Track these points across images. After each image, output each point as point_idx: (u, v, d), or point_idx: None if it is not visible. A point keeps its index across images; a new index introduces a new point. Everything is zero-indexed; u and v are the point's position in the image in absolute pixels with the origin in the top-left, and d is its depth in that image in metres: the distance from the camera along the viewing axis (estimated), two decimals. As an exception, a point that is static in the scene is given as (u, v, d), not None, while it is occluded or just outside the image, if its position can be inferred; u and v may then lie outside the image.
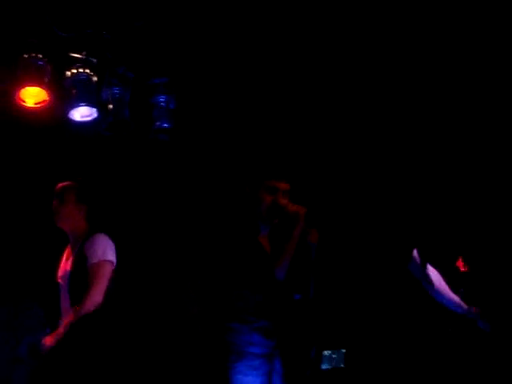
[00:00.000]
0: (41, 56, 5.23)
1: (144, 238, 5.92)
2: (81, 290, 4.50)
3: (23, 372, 5.20)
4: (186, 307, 5.25)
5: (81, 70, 5.37)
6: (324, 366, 4.07)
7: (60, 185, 4.96)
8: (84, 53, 5.38)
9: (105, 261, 4.60)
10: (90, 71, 5.40)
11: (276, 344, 4.13)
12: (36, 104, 5.32)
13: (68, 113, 5.43)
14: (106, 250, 4.66)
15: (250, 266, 4.12)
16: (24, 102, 5.28)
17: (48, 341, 4.44)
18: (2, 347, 5.21)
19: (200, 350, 4.34)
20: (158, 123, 5.60)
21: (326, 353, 4.12)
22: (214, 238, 4.47)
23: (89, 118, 5.47)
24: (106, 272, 4.60)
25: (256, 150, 5.40)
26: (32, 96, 5.29)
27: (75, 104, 5.41)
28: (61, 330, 4.48)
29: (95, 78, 5.42)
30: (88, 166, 5.83)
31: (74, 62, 5.37)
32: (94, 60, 5.42)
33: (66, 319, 4.56)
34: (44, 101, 5.33)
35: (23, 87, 5.24)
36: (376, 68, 5.14)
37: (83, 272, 4.59)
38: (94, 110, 5.47)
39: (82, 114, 5.47)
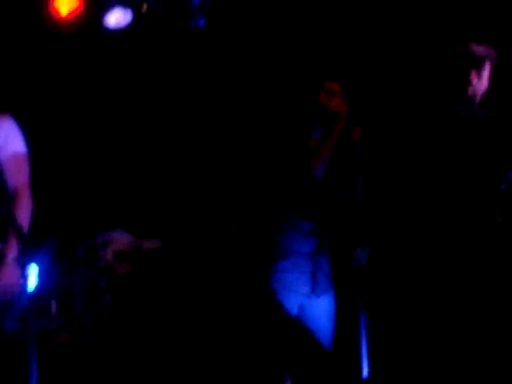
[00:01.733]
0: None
1: (187, 143, 5.97)
2: None
3: (81, 274, 5.42)
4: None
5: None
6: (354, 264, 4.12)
7: None
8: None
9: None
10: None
11: (321, 242, 4.17)
12: (70, 11, 5.26)
13: (102, 18, 5.38)
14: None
15: (290, 165, 4.11)
16: (58, 10, 5.23)
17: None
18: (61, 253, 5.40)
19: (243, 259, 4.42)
20: (193, 20, 5.52)
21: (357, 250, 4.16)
22: (258, 139, 4.46)
23: (123, 23, 5.42)
24: None
25: (299, 50, 5.29)
26: (65, 4, 5.23)
27: (109, 7, 5.36)
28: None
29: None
30: (125, 67, 5.83)
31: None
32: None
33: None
34: (78, 7, 5.27)
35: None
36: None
37: None
38: (129, 11, 5.40)
39: (116, 18, 5.40)
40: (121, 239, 5.44)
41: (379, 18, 5.24)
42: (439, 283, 3.84)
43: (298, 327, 4.03)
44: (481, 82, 4.05)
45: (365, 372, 3.92)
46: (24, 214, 3.72)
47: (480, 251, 3.86)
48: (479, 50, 4.05)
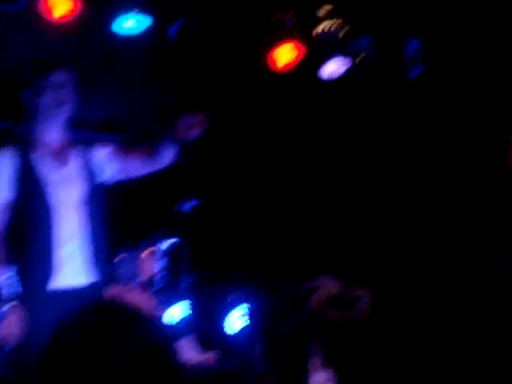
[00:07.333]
0: (289, 15, 5.36)
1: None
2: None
3: (288, 319, 5.36)
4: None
5: (328, 26, 5.43)
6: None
7: None
8: (331, 7, 5.42)
9: None
10: (338, 25, 5.43)
11: None
12: (284, 65, 5.46)
13: (319, 68, 5.52)
14: None
15: None
16: (275, 62, 5.43)
17: None
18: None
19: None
20: (408, 69, 5.51)
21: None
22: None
23: (337, 74, 5.54)
24: None
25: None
26: (282, 56, 5.43)
27: (326, 58, 5.50)
28: None
29: (342, 32, 5.46)
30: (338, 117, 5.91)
31: (321, 19, 5.44)
32: (340, 14, 5.44)
33: None
34: (295, 59, 5.45)
35: (275, 48, 5.40)
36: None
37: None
38: (346, 62, 5.51)
39: (332, 68, 5.53)
40: (328, 286, 5.34)
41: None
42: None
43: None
44: None
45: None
46: None
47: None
48: None
